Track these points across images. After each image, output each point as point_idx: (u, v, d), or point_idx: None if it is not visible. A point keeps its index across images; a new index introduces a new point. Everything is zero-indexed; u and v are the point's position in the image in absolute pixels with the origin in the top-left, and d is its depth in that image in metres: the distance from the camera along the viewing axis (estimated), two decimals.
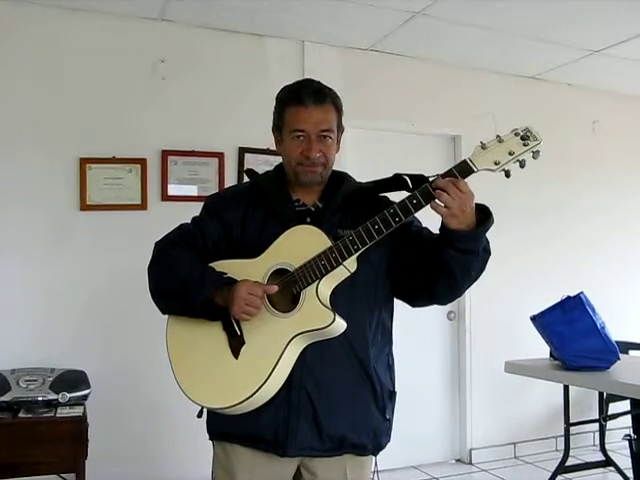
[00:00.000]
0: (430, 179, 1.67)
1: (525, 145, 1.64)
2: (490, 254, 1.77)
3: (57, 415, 3.11)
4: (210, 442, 1.93)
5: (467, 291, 5.09)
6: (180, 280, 1.78)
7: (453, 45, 4.30)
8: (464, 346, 4.72)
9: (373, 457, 1.92)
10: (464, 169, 1.66)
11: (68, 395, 3.19)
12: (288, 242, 1.76)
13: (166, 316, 1.88)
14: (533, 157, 1.65)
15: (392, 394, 1.90)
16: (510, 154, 1.64)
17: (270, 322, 1.72)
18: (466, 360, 4.70)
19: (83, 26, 3.74)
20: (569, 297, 3.16)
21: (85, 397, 3.27)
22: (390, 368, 1.92)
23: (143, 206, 3.81)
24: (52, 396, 3.16)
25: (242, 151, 4.00)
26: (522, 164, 1.65)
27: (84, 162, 3.70)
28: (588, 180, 5.08)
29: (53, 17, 3.67)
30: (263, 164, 3.74)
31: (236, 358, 1.73)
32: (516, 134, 1.66)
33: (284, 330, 1.70)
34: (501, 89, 4.77)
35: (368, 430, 1.83)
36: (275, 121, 1.92)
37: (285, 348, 1.68)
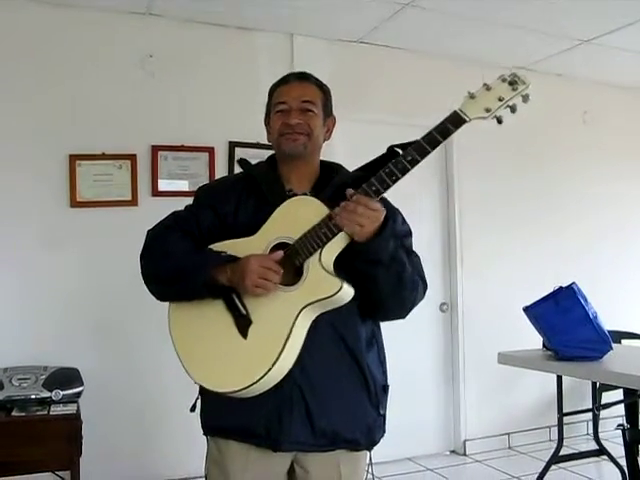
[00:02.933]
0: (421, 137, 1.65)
1: (514, 90, 1.63)
2: (405, 264, 1.75)
3: (50, 413, 3.10)
4: (204, 438, 1.92)
5: (459, 282, 5.10)
6: (179, 262, 1.76)
7: (442, 36, 4.29)
8: (457, 338, 4.72)
9: (367, 452, 1.90)
10: (456, 120, 1.63)
11: (61, 393, 3.19)
12: (284, 215, 1.75)
13: (162, 310, 1.85)
14: (523, 101, 1.64)
15: (385, 388, 1.89)
16: (500, 100, 1.62)
17: (276, 297, 1.69)
18: (459, 352, 4.71)
19: (70, 22, 3.71)
20: (561, 287, 3.17)
21: (78, 394, 3.27)
22: (382, 363, 1.90)
23: (134, 202, 3.79)
24: (45, 394, 3.16)
25: (232, 145, 3.99)
26: (513, 109, 1.64)
27: (73, 159, 3.68)
28: (578, 170, 5.09)
29: (39, 13, 3.64)
30: (253, 158, 3.71)
31: (245, 338, 1.70)
32: (503, 80, 1.65)
33: (292, 303, 1.67)
34: (491, 80, 4.76)
35: (362, 426, 1.82)
36: (266, 111, 1.96)
37: (295, 320, 1.65)
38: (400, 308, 1.85)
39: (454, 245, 4.74)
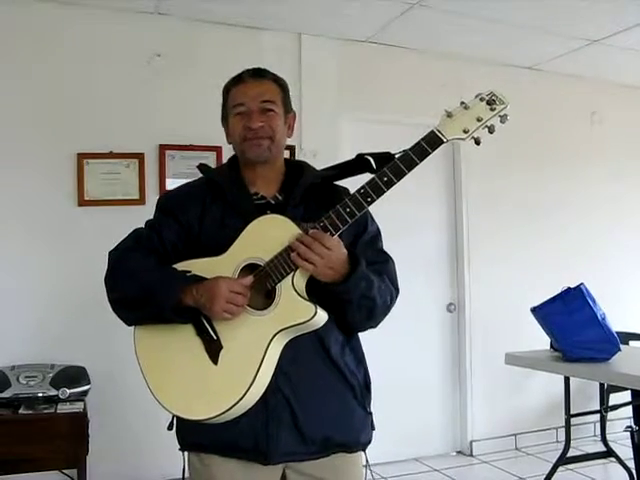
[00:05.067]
0: (397, 156, 1.61)
1: (492, 110, 1.59)
2: (376, 300, 1.70)
3: (57, 411, 3.12)
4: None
5: (466, 282, 5.08)
6: (144, 285, 1.67)
7: (451, 36, 4.28)
8: (464, 338, 4.71)
9: (363, 453, 1.83)
10: (433, 140, 1.59)
11: (68, 391, 3.19)
12: (255, 235, 1.67)
13: None
14: (501, 121, 1.60)
15: (368, 386, 1.83)
16: (478, 120, 1.59)
17: (247, 321, 1.62)
18: (466, 352, 4.70)
19: (79, 21, 3.72)
20: (569, 288, 3.16)
21: (85, 393, 3.28)
22: (361, 361, 1.83)
23: (141, 201, 3.80)
24: (52, 392, 3.17)
25: None
26: (491, 130, 1.60)
27: (81, 157, 3.69)
28: (587, 171, 5.07)
29: (49, 12, 3.65)
30: None
31: (215, 364, 1.63)
32: (481, 99, 1.60)
33: (264, 328, 1.60)
34: (499, 80, 4.73)
35: (352, 427, 1.76)
36: (222, 112, 1.90)
37: (267, 347, 1.59)
38: (371, 327, 1.81)
39: (461, 245, 4.73)
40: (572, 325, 3.09)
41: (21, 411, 3.09)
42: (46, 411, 3.10)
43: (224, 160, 3.92)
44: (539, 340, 3.45)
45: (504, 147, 4.63)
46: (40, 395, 3.15)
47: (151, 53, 3.85)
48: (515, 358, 3.44)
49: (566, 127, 4.93)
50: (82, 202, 3.70)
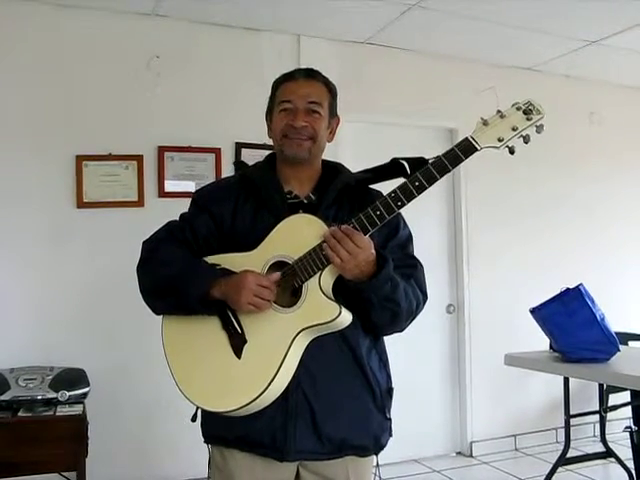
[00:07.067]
0: (430, 161, 1.62)
1: (528, 120, 1.60)
2: (400, 303, 1.71)
3: (57, 414, 3.11)
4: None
5: (466, 283, 5.09)
6: (173, 275, 1.71)
7: (450, 37, 4.28)
8: (464, 339, 4.71)
9: (375, 456, 1.85)
10: (467, 148, 1.60)
11: (67, 393, 3.19)
12: (285, 233, 1.70)
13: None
14: (537, 131, 1.61)
15: (390, 391, 1.85)
16: (513, 129, 1.59)
17: (272, 318, 1.65)
18: (466, 353, 4.70)
19: (77, 23, 3.72)
20: (568, 289, 3.15)
21: (85, 395, 3.27)
22: (385, 365, 1.86)
23: (140, 203, 3.80)
24: (51, 395, 3.17)
25: (239, 146, 3.99)
26: (526, 139, 1.61)
27: (80, 159, 3.69)
28: (585, 172, 5.08)
29: (47, 14, 3.65)
30: (259, 159, 3.72)
31: (239, 358, 1.66)
32: (518, 108, 1.61)
33: (288, 325, 1.63)
34: (498, 81, 4.75)
35: (369, 431, 1.77)
36: (268, 105, 1.90)
37: (290, 344, 1.61)
38: (396, 331, 1.82)
39: (460, 246, 4.73)
40: (571, 326, 3.09)
41: (20, 414, 3.08)
42: (45, 414, 3.09)
43: (222, 161, 3.99)
44: (538, 341, 3.45)
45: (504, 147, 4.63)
46: (39, 398, 3.14)
47: (150, 55, 3.85)
48: (514, 359, 3.43)
49: (565, 127, 4.93)
50: (81, 204, 3.69)
